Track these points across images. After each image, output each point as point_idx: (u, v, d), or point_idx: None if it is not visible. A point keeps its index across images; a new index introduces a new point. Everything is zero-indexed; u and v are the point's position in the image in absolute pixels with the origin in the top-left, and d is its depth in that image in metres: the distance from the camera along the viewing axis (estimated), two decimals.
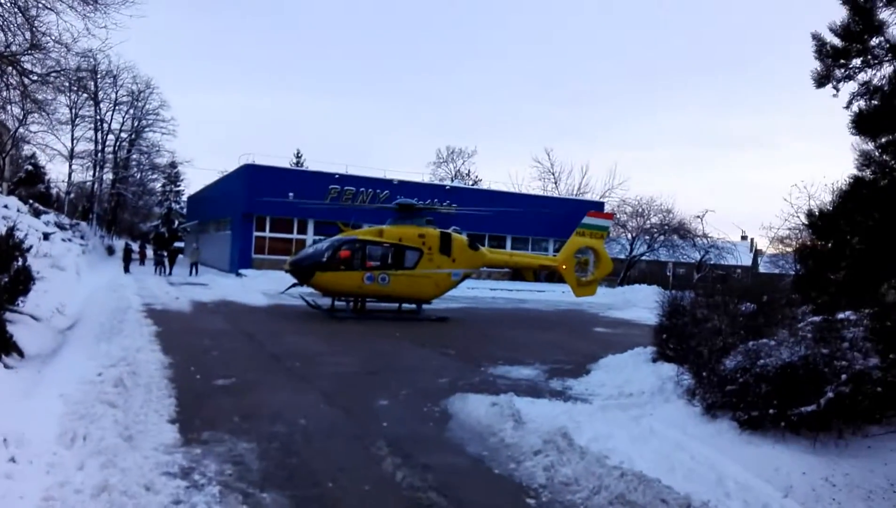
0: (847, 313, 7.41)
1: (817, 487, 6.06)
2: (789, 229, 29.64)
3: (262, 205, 34.56)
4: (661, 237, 50.26)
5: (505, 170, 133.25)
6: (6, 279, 10.91)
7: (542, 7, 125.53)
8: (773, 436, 6.94)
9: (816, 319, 7.69)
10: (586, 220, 23.63)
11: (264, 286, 27.65)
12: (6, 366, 8.76)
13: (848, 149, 8.54)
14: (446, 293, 21.67)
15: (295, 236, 37.05)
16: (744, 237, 70.40)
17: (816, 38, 8.24)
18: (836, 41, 8.09)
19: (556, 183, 62.95)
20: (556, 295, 34.51)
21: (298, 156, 70.78)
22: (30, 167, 51.60)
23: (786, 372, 7.03)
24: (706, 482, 6.12)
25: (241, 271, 34.38)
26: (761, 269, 61.76)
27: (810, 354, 7.04)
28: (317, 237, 30.65)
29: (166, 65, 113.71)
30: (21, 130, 42.60)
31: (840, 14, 8.13)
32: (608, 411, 8.66)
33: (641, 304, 28.34)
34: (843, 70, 8.10)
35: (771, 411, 6.97)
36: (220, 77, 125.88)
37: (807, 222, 8.29)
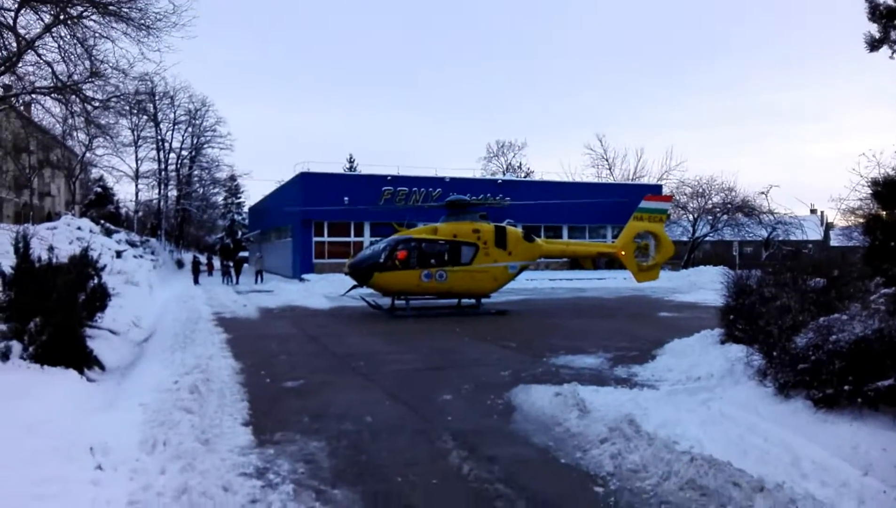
0: None
1: None
2: (860, 199, 28.36)
3: (319, 211, 35.26)
4: (725, 217, 48.86)
5: (557, 160, 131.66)
6: (83, 297, 11.47)
7: None
8: (850, 413, 6.68)
9: (889, 291, 7.37)
10: (644, 204, 23.19)
11: (326, 290, 28.23)
12: (89, 379, 9.24)
13: None
14: (504, 286, 21.66)
15: (352, 238, 37.67)
16: (813, 211, 67.80)
17: None
18: (892, 1, 7.70)
19: (610, 169, 62.07)
20: (618, 282, 33.99)
21: (351, 161, 71.87)
22: (99, 189, 54.17)
23: (860, 347, 6.77)
24: (780, 463, 5.95)
25: (304, 275, 35.17)
26: (833, 242, 59.21)
27: (885, 327, 6.77)
28: (373, 239, 31.05)
29: (220, 82, 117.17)
30: (88, 154, 44.78)
31: None
32: (676, 396, 8.50)
33: (707, 286, 27.65)
34: None
35: (846, 387, 6.71)
36: (272, 90, 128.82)
37: (871, 192, 7.92)
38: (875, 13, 7.72)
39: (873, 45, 7.88)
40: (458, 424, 7.74)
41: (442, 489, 5.79)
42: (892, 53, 7.85)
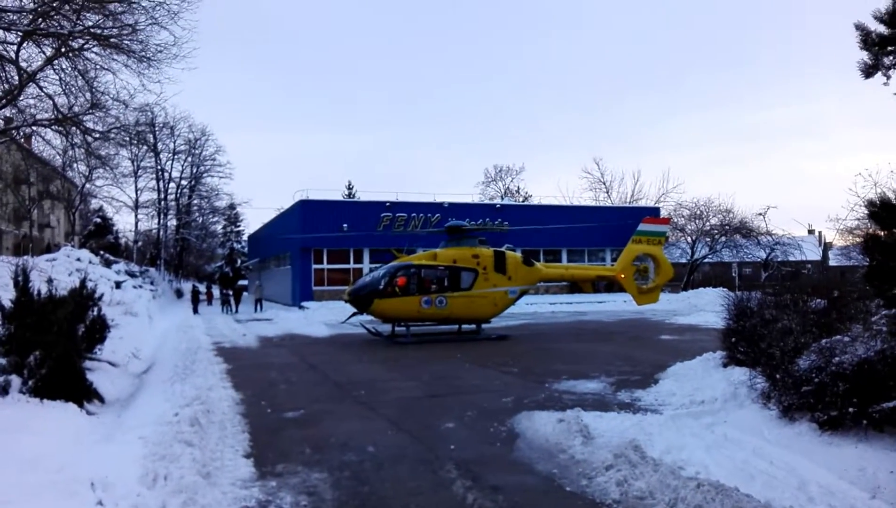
0: None
1: None
2: (857, 219, 28.48)
3: (318, 238, 35.31)
4: (723, 238, 48.95)
5: (554, 183, 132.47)
6: (83, 329, 11.43)
7: (574, 17, 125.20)
8: (856, 435, 6.65)
9: (890, 312, 7.36)
10: (642, 227, 23.27)
11: (326, 317, 28.15)
12: (89, 413, 9.18)
13: None
14: (505, 311, 21.62)
15: (352, 265, 37.65)
16: (811, 231, 68.01)
17: (860, 27, 7.96)
18: (882, 28, 7.80)
19: (607, 192, 62.25)
20: (618, 305, 33.94)
21: (350, 187, 72.07)
22: (98, 220, 54.16)
23: (863, 368, 6.76)
24: (787, 487, 5.90)
25: (304, 303, 35.09)
26: (832, 262, 59.33)
27: (887, 348, 6.76)
28: (373, 265, 31.10)
29: (219, 110, 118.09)
30: (88, 185, 44.95)
31: (884, 1, 7.86)
32: (680, 420, 8.45)
33: (708, 308, 27.64)
34: (892, 57, 7.80)
35: (851, 409, 6.69)
36: (271, 118, 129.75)
37: (868, 212, 7.96)
38: (867, 42, 7.83)
39: (867, 72, 7.98)
40: (461, 452, 7.68)
41: None
42: (886, 81, 7.94)
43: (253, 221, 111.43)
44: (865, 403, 6.60)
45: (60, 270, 21.56)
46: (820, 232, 68.32)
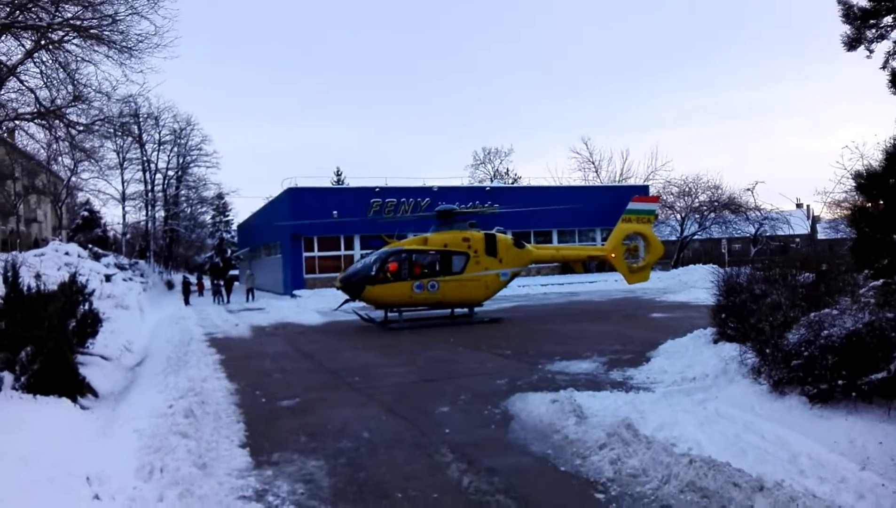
0: None
1: None
2: (845, 191, 28.67)
3: (308, 226, 35.19)
4: (712, 215, 49.22)
5: (543, 164, 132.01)
6: (74, 324, 11.38)
7: (560, 0, 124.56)
8: (845, 408, 6.73)
9: (878, 283, 7.43)
10: (631, 205, 23.32)
11: (318, 305, 28.14)
12: (83, 407, 9.15)
13: None
14: (497, 294, 21.67)
15: (343, 252, 37.59)
16: (799, 205, 68.43)
17: (843, 1, 7.98)
18: (864, 2, 7.82)
19: (597, 172, 62.33)
20: (609, 284, 34.10)
21: (339, 174, 71.82)
22: (85, 213, 53.78)
23: (851, 341, 6.82)
24: (779, 461, 5.98)
25: (296, 292, 35.04)
26: (820, 235, 59.82)
27: (875, 319, 6.82)
28: (364, 252, 31.00)
29: (204, 99, 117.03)
30: (73, 178, 44.55)
31: None
32: (672, 397, 8.53)
33: (698, 285, 27.81)
34: (873, 31, 7.83)
35: (840, 382, 6.76)
36: (256, 106, 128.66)
37: (854, 185, 8.02)
38: (849, 15, 7.85)
39: (850, 44, 8.01)
40: (457, 436, 7.73)
41: (442, 502, 5.78)
42: (869, 53, 7.97)
43: (242, 210, 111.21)
44: (854, 375, 6.67)
45: (49, 265, 21.43)
46: (808, 206, 68.76)
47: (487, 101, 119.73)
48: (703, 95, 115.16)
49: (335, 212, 35.63)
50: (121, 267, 34.07)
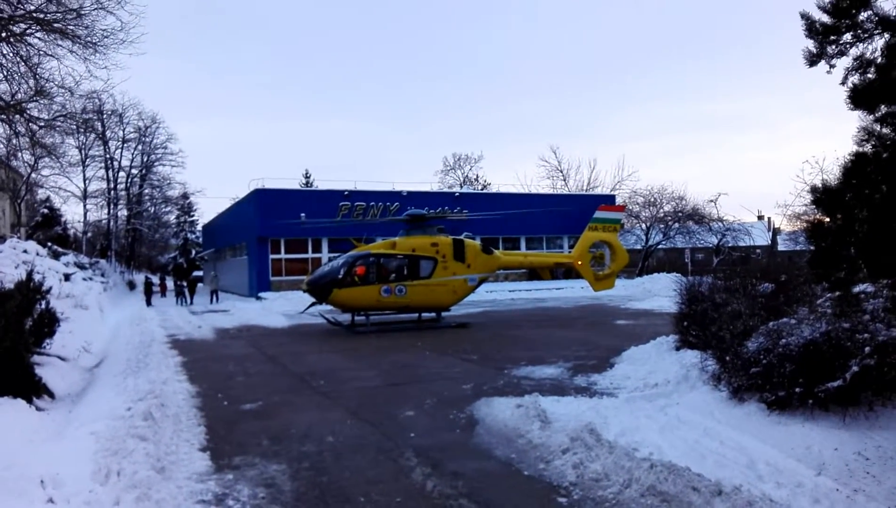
0: (865, 286, 7.34)
1: (850, 462, 6.01)
2: (804, 205, 29.38)
3: (275, 228, 34.85)
4: (676, 225, 50.00)
5: (513, 172, 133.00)
6: (30, 323, 11.08)
7: (531, 9, 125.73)
8: (802, 415, 6.89)
9: (834, 294, 7.63)
10: (598, 214, 23.60)
11: (284, 308, 27.85)
12: (38, 408, 8.91)
13: (855, 122, 8.48)
14: (464, 299, 21.73)
15: (310, 255, 37.29)
16: (760, 217, 69.82)
17: (805, 16, 8.21)
18: (826, 18, 8.05)
19: (565, 180, 62.94)
20: (575, 291, 34.37)
21: (307, 176, 71.25)
22: (45, 211, 52.46)
23: (809, 350, 6.99)
24: (737, 466, 6.10)
25: (261, 294, 34.62)
26: (781, 247, 61.26)
27: (832, 329, 7.00)
28: (332, 255, 30.80)
29: (170, 98, 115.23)
30: (33, 175, 43.44)
31: None
32: (634, 403, 8.64)
33: (661, 293, 28.20)
34: (834, 46, 8.06)
35: (798, 389, 6.92)
36: (224, 106, 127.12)
37: (812, 199, 8.23)
38: (811, 30, 8.06)
39: (812, 60, 8.22)
40: (421, 440, 7.71)
41: (406, 507, 5.75)
42: (830, 69, 8.20)
43: (207, 210, 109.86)
44: (811, 383, 6.84)
45: (6, 262, 20.81)
46: (769, 218, 70.32)
47: (459, 107, 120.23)
48: (670, 107, 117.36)
49: (303, 214, 35.34)
50: (81, 266, 33.31)
